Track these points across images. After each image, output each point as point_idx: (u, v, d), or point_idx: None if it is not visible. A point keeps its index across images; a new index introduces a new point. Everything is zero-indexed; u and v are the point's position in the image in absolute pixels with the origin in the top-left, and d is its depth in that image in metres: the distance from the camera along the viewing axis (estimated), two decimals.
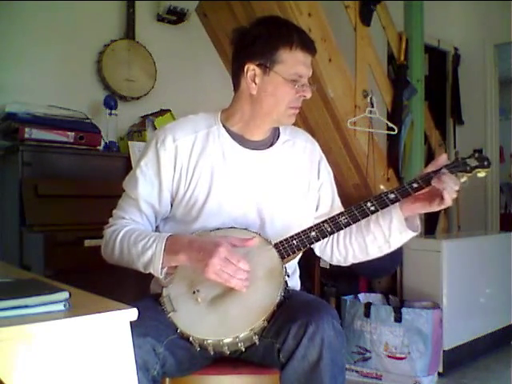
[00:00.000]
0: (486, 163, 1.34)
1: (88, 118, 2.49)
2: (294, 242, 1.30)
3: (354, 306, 2.72)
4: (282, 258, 1.28)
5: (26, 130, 2.22)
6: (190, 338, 1.20)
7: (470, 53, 4.51)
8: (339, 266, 1.52)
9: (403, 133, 3.15)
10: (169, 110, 2.76)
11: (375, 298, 2.87)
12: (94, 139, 2.41)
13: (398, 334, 2.58)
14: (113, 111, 2.62)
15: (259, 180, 1.38)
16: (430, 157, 3.85)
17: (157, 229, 1.41)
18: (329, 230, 1.32)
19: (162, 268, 1.24)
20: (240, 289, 1.19)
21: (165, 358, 1.19)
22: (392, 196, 1.31)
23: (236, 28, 1.38)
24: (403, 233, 1.35)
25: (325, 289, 3.04)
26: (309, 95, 1.34)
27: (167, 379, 1.28)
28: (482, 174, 1.34)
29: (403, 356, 2.57)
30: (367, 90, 3.03)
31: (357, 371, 2.69)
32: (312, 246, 1.43)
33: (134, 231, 1.30)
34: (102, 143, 2.52)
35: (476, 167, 1.33)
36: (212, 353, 1.22)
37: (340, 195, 1.54)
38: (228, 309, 1.21)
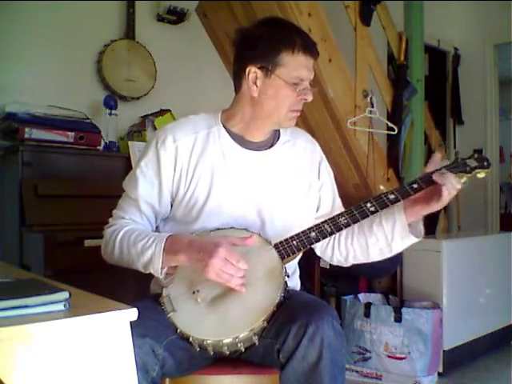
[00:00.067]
0: (485, 164, 1.34)
1: (88, 118, 2.49)
2: (294, 242, 1.30)
3: (354, 305, 2.72)
4: (282, 258, 1.28)
5: (26, 130, 2.22)
6: (190, 339, 1.20)
7: (469, 53, 4.51)
8: (339, 266, 1.52)
9: (403, 133, 3.15)
10: (169, 110, 2.76)
11: (375, 297, 2.87)
12: (94, 139, 2.41)
13: (397, 334, 2.58)
14: (113, 111, 2.62)
15: (259, 180, 1.38)
16: (429, 157, 3.84)
17: (157, 229, 1.41)
18: (329, 230, 1.31)
19: (162, 268, 1.24)
20: (239, 290, 1.19)
21: (164, 358, 1.19)
22: (392, 197, 1.31)
23: (238, 29, 1.37)
24: (405, 238, 1.35)
25: (325, 289, 3.04)
26: (310, 98, 1.34)
27: (167, 379, 1.28)
28: (481, 174, 1.34)
29: (403, 356, 2.57)
30: (367, 89, 3.03)
31: (357, 371, 2.69)
32: (312, 247, 1.43)
33: (133, 231, 1.30)
34: (102, 143, 2.52)
35: (476, 168, 1.33)
36: (212, 353, 1.22)
37: (340, 195, 1.54)
38: (228, 309, 1.21)
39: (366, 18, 3.02)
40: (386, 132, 3.14)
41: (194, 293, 1.24)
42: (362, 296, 2.85)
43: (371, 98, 3.00)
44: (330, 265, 1.54)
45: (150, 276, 1.31)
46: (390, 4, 3.22)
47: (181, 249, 1.22)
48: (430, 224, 3.83)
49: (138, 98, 2.89)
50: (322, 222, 1.32)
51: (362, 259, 1.44)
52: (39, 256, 1.96)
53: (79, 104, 2.59)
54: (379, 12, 3.13)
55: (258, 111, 1.34)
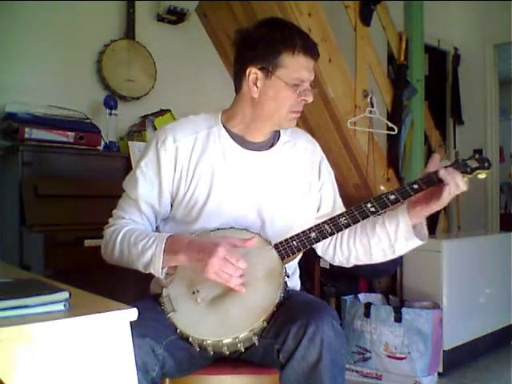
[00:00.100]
0: (486, 165, 1.34)
1: (88, 118, 2.49)
2: (294, 242, 1.30)
3: (354, 305, 2.72)
4: (282, 258, 1.28)
5: (26, 129, 2.22)
6: (190, 339, 1.20)
7: (470, 53, 4.51)
8: (339, 266, 1.52)
9: (403, 133, 3.15)
10: (169, 110, 2.76)
11: (375, 297, 2.87)
12: (94, 139, 2.41)
13: (398, 334, 2.58)
14: (113, 111, 2.62)
15: (259, 181, 1.38)
16: (430, 157, 3.84)
17: (157, 229, 1.41)
18: (329, 230, 1.31)
19: (162, 268, 1.24)
20: (239, 290, 1.19)
21: (164, 359, 1.19)
22: (392, 197, 1.31)
23: (238, 30, 1.37)
24: (409, 240, 1.33)
25: (325, 289, 3.04)
26: (310, 99, 1.34)
27: (167, 379, 1.28)
28: (482, 175, 1.34)
29: (403, 356, 2.57)
30: (367, 89, 3.03)
31: (357, 371, 2.69)
32: (313, 247, 1.43)
33: (133, 231, 1.30)
34: (102, 143, 2.52)
35: (477, 168, 1.33)
36: (211, 353, 1.22)
37: (340, 195, 1.53)
38: (228, 309, 1.21)
39: (366, 17, 3.02)
40: (386, 132, 3.14)
41: (193, 293, 1.24)
42: (362, 296, 2.85)
43: (371, 98, 3.00)
44: (330, 265, 1.54)
45: (150, 276, 1.31)
46: (390, 4, 3.22)
47: (181, 249, 1.22)
48: (430, 224, 3.82)
49: (138, 98, 2.89)
50: (323, 223, 1.32)
51: (364, 260, 1.44)
52: (39, 256, 1.96)
53: (79, 104, 2.59)
54: (379, 12, 3.13)
55: (259, 112, 1.34)
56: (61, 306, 0.85)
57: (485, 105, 4.46)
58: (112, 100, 2.63)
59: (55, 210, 2.12)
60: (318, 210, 1.47)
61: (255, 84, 1.31)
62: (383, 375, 2.62)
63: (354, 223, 1.32)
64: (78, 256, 1.99)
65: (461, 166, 1.31)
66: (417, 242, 1.34)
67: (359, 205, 1.32)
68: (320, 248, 1.47)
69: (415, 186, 1.30)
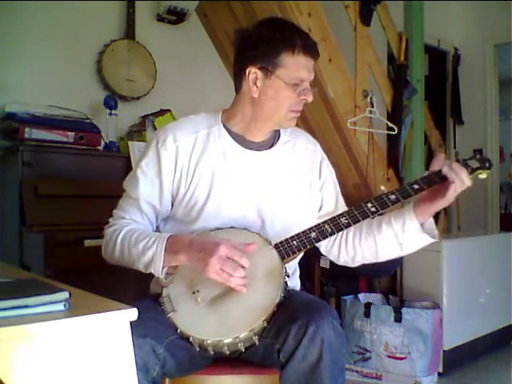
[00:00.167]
0: (487, 165, 1.34)
1: (88, 118, 2.49)
2: (294, 242, 1.30)
3: (354, 305, 2.72)
4: (282, 258, 1.28)
5: (26, 129, 2.22)
6: (190, 339, 1.20)
7: (469, 53, 4.51)
8: (339, 266, 1.52)
9: (403, 133, 3.15)
10: (169, 110, 2.76)
11: (375, 298, 2.87)
12: (94, 139, 2.41)
13: (398, 334, 2.58)
14: (113, 111, 2.62)
15: (260, 180, 1.38)
16: (430, 157, 3.85)
17: (157, 229, 1.41)
18: (329, 230, 1.31)
19: (163, 268, 1.24)
20: (240, 290, 1.19)
21: (165, 358, 1.19)
22: (393, 197, 1.31)
23: (238, 29, 1.37)
24: (419, 237, 1.33)
25: (325, 289, 3.04)
26: (310, 99, 1.34)
27: (167, 379, 1.28)
28: (483, 175, 1.34)
29: (403, 356, 2.57)
30: (367, 89, 3.03)
31: (357, 371, 2.69)
32: (317, 246, 1.43)
33: (134, 231, 1.30)
34: (102, 143, 2.52)
35: (478, 168, 1.33)
36: (212, 353, 1.22)
37: None
38: (228, 309, 1.21)
39: (366, 17, 3.03)
40: (386, 132, 3.14)
41: (194, 293, 1.24)
42: (362, 296, 2.85)
43: (371, 98, 3.00)
44: (330, 265, 1.54)
45: (150, 276, 1.31)
46: (390, 4, 3.22)
47: (181, 249, 1.22)
48: None
49: (138, 98, 2.89)
50: (323, 222, 1.32)
51: (370, 259, 1.43)
52: (39, 256, 1.96)
53: (79, 104, 2.59)
54: (379, 12, 3.13)
55: (259, 112, 1.34)
56: (61, 306, 0.85)
57: (485, 105, 4.46)
58: (112, 100, 2.63)
59: (55, 210, 2.12)
60: (319, 210, 1.47)
61: (255, 84, 1.31)
62: (383, 375, 2.62)
63: (355, 223, 1.32)
64: (78, 256, 1.99)
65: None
66: (428, 239, 1.33)
67: (359, 205, 1.32)
68: (324, 247, 1.47)
69: (415, 186, 1.30)
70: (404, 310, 2.59)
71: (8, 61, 2.54)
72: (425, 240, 1.34)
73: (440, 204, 1.28)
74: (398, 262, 2.86)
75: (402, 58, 3.22)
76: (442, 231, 3.92)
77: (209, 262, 1.15)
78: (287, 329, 1.17)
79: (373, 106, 2.99)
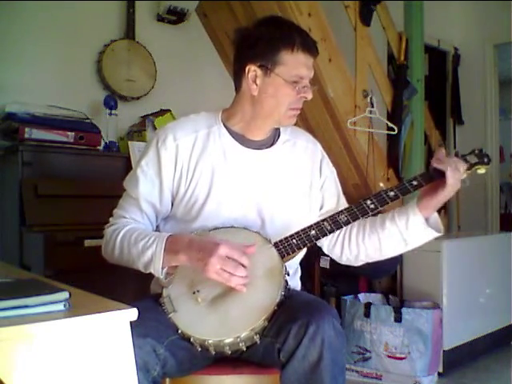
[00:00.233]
0: (485, 160, 1.34)
1: (88, 118, 2.49)
2: (294, 240, 1.30)
3: (354, 305, 2.72)
4: (282, 256, 1.28)
5: (26, 129, 2.22)
6: (191, 339, 1.20)
7: (469, 53, 4.51)
8: (339, 266, 1.51)
9: (403, 133, 3.15)
10: (169, 110, 2.76)
11: (375, 298, 2.87)
12: (94, 139, 2.41)
13: (397, 334, 2.58)
14: (113, 111, 2.62)
15: (259, 180, 1.38)
16: (430, 157, 3.85)
17: (157, 228, 1.41)
18: (328, 228, 1.31)
19: (163, 268, 1.24)
20: (240, 289, 1.18)
21: (165, 358, 1.19)
22: (392, 194, 1.31)
23: (237, 28, 1.38)
24: (423, 231, 1.33)
25: (325, 289, 3.04)
26: (310, 96, 1.34)
27: (167, 379, 1.28)
28: (482, 170, 1.34)
29: (403, 356, 2.57)
30: (367, 89, 3.03)
31: (357, 371, 2.69)
32: (320, 245, 1.43)
33: (134, 231, 1.30)
34: (102, 143, 2.52)
35: (476, 164, 1.33)
36: (213, 353, 1.22)
37: None
38: (228, 309, 1.21)
39: (366, 17, 3.03)
40: (386, 132, 3.14)
41: (194, 293, 1.24)
42: (361, 296, 2.85)
43: (371, 98, 3.00)
44: (330, 265, 1.54)
45: (150, 276, 1.31)
46: (390, 4, 3.22)
47: (181, 249, 1.21)
48: None
49: (138, 98, 2.89)
50: (322, 220, 1.32)
51: (374, 256, 1.43)
52: (39, 256, 1.96)
53: (79, 104, 2.59)
54: (379, 12, 3.13)
55: (258, 110, 1.34)
56: (61, 306, 0.85)
57: (485, 105, 4.46)
58: (112, 100, 2.63)
59: (55, 210, 2.12)
60: (321, 208, 1.47)
61: (254, 82, 1.32)
62: (383, 375, 2.62)
63: (354, 220, 1.32)
64: (78, 256, 1.99)
65: None
66: (433, 234, 1.34)
67: (359, 202, 1.33)
68: (326, 246, 1.47)
69: (414, 183, 1.31)
70: (404, 310, 2.59)
71: (8, 61, 2.54)
72: (430, 234, 1.34)
73: (442, 196, 1.29)
74: (397, 262, 2.86)
75: (402, 58, 3.22)
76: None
77: (209, 261, 1.15)
78: (287, 328, 1.17)
79: (373, 106, 2.99)
